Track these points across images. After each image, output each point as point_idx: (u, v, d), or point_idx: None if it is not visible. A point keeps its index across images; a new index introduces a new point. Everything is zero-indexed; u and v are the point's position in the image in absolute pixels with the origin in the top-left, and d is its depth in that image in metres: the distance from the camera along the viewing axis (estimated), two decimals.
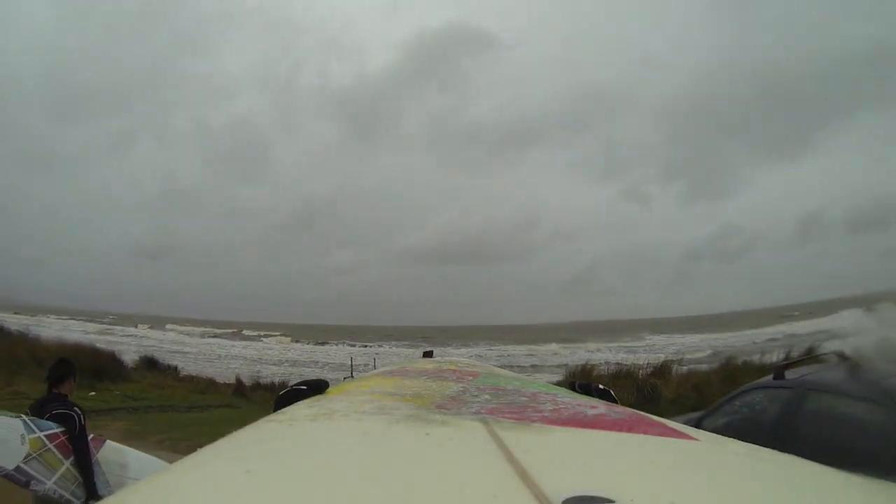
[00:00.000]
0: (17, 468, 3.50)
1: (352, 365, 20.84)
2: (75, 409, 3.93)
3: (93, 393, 13.35)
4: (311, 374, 31.68)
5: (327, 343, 57.83)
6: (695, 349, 36.08)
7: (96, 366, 16.09)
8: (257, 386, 18.19)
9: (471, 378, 1.83)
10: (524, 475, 0.73)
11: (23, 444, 3.58)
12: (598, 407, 1.34)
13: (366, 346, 56.20)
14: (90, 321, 66.85)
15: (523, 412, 1.22)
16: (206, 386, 17.97)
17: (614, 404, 1.52)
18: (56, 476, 3.67)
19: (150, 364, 20.85)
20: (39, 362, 15.24)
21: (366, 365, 23.87)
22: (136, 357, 22.01)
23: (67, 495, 3.67)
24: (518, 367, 35.78)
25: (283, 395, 1.46)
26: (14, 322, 35.78)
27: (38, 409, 3.89)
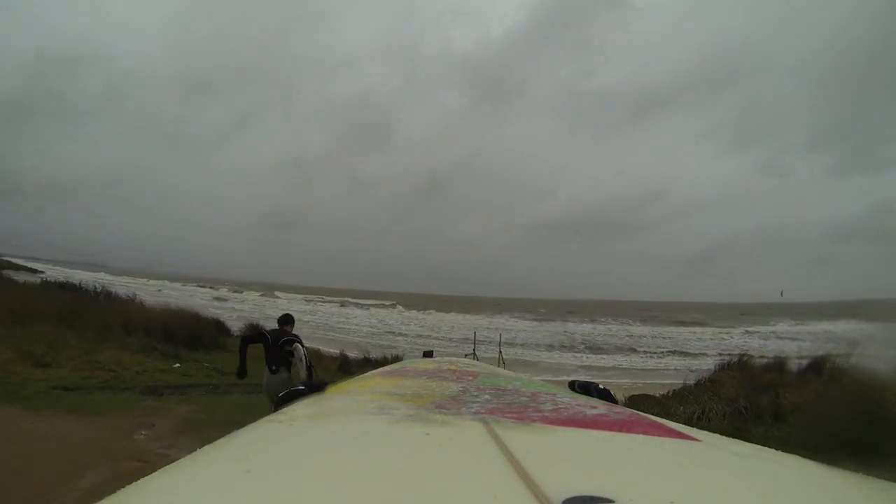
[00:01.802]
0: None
1: (475, 340, 18.55)
2: (298, 337, 6.48)
3: (177, 365, 11.36)
4: (433, 347, 29.83)
5: (449, 312, 55.92)
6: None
7: (191, 334, 15.54)
8: (366, 361, 15.52)
9: (471, 378, 1.82)
10: (524, 475, 0.73)
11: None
12: (598, 407, 1.30)
13: (482, 317, 53.89)
14: (212, 287, 69.82)
15: (523, 412, 1.20)
16: (311, 358, 15.54)
17: (614, 404, 1.48)
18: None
19: (254, 331, 18.44)
20: (129, 329, 13.31)
21: (489, 340, 21.57)
22: (241, 325, 20.72)
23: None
24: (656, 353, 32.23)
25: (283, 396, 1.46)
26: (137, 287, 36.47)
27: (277, 336, 6.36)
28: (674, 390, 12.93)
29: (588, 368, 26.27)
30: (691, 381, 12.60)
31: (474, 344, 18.86)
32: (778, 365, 12.54)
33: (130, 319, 14.74)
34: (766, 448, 1.01)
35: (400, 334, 37.15)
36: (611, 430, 1.08)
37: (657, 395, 14.87)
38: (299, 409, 1.29)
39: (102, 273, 71.68)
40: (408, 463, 0.85)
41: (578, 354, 32.10)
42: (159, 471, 0.85)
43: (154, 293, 44.58)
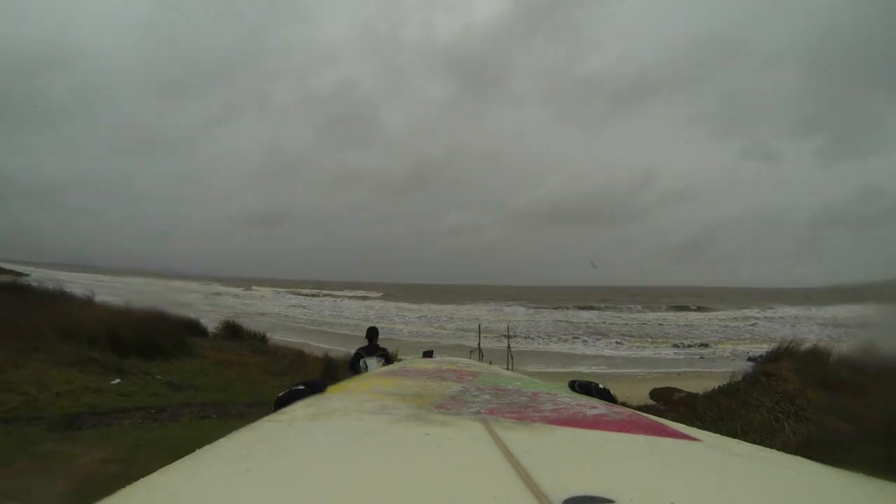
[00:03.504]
0: None
1: (479, 332, 16.30)
2: (386, 350, 7.47)
3: (116, 380, 8.52)
4: (430, 340, 27.80)
5: (447, 304, 54.13)
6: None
7: (148, 338, 12.50)
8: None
9: (471, 378, 1.82)
10: (524, 475, 0.74)
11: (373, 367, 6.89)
12: (598, 407, 1.31)
13: (477, 306, 51.97)
14: (198, 283, 67.77)
15: (523, 412, 1.22)
16: (292, 361, 13.47)
17: (614, 404, 1.46)
18: None
19: (232, 331, 18.06)
20: (70, 335, 11.51)
21: (490, 332, 19.24)
22: (217, 323, 18.90)
23: None
24: (668, 340, 30.43)
25: (283, 396, 1.44)
26: (117, 286, 34.68)
27: (368, 351, 7.29)
28: (719, 386, 10.82)
29: (595, 358, 25.35)
30: (739, 372, 10.73)
31: (479, 337, 16.73)
32: (825, 355, 10.27)
33: (73, 323, 11.97)
34: (767, 448, 1.01)
35: (394, 329, 34.87)
36: (611, 430, 1.08)
37: (698, 391, 12.61)
38: (299, 409, 1.28)
39: (89, 273, 69.48)
40: (408, 463, 0.86)
41: (589, 343, 30.15)
42: (159, 471, 0.84)
43: (133, 292, 41.99)
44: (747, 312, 45.43)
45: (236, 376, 11.92)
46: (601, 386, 1.64)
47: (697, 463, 0.91)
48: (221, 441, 1.03)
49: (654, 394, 16.03)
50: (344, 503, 0.67)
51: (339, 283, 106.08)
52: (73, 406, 8.04)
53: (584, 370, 23.40)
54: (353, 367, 7.35)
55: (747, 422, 7.79)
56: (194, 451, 1.02)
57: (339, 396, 1.44)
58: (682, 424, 1.14)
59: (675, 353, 27.42)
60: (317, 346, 24.94)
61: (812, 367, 9.42)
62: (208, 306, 44.05)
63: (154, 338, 12.71)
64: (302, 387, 1.49)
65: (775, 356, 11.00)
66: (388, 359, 7.39)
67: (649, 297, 65.70)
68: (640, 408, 12.48)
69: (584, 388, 1.65)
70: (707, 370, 23.27)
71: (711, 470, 0.87)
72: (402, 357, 9.65)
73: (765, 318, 41.98)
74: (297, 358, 15.05)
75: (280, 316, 40.83)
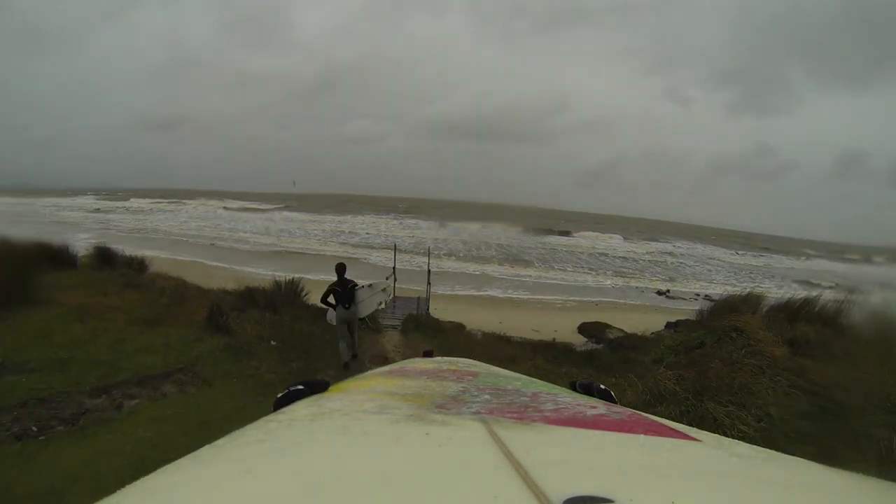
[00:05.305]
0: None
1: (395, 253, 15.01)
2: (354, 282, 8.39)
3: None
4: (335, 256, 26.05)
5: (346, 214, 51.90)
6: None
7: None
8: (249, 299, 10.52)
9: (471, 378, 1.73)
10: (524, 475, 0.71)
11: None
12: (598, 407, 1.27)
13: (382, 218, 50.25)
14: (81, 198, 61.90)
15: (523, 412, 1.16)
16: (172, 299, 10.56)
17: (614, 404, 1.43)
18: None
19: (103, 259, 14.22)
20: None
21: (394, 247, 17.68)
22: (89, 247, 15.21)
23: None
24: (582, 267, 30.60)
25: (283, 396, 1.39)
26: None
27: (343, 283, 8.15)
28: (677, 334, 10.19)
29: (509, 281, 25.63)
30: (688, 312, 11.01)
31: (394, 258, 15.30)
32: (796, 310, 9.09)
33: None
34: (767, 449, 0.97)
35: (293, 246, 32.52)
36: (611, 430, 1.05)
37: (629, 328, 11.69)
38: (299, 409, 1.22)
39: None
40: (408, 463, 0.83)
41: (502, 265, 30.64)
42: (159, 470, 0.82)
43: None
44: (655, 246, 47.27)
45: (91, 333, 8.37)
46: (602, 386, 1.58)
47: (697, 463, 0.89)
48: (221, 441, 1.00)
49: (584, 329, 15.12)
50: (344, 503, 0.66)
51: (235, 192, 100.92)
52: None
53: (498, 294, 23.01)
54: (325, 301, 8.34)
55: (761, 395, 6.15)
56: None
57: (339, 396, 1.38)
58: (681, 424, 1.10)
59: (587, 280, 27.80)
60: (212, 265, 22.38)
61: (781, 324, 8.48)
62: (92, 224, 39.52)
63: None
64: (301, 387, 1.41)
65: (732, 306, 10.15)
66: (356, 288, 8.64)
67: (556, 220, 67.12)
68: (583, 354, 11.39)
69: (586, 388, 1.61)
70: (622, 301, 23.40)
71: (711, 470, 0.86)
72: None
73: (673, 252, 43.91)
74: (178, 293, 12.33)
75: (170, 233, 37.35)
